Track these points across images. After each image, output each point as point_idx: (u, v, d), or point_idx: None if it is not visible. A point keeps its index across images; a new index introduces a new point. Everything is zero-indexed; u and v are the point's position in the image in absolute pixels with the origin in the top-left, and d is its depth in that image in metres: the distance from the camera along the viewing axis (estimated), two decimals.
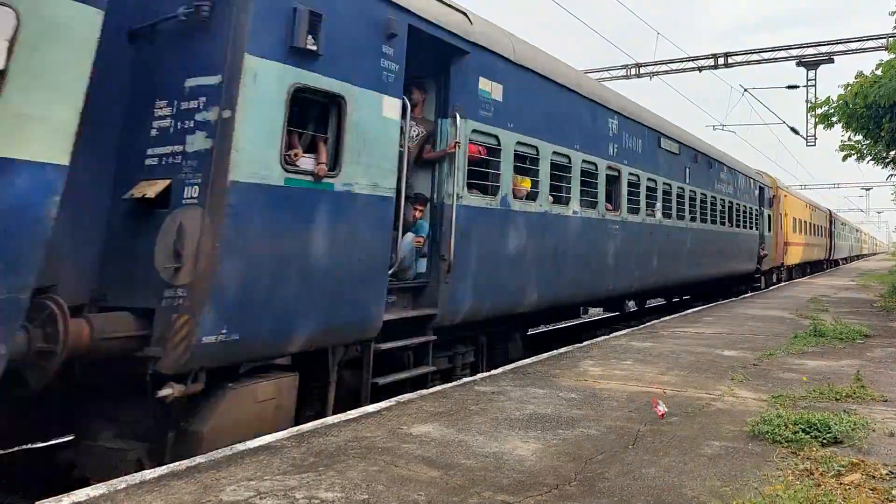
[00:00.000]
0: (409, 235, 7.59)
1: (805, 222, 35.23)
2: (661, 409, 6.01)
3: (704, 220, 17.82)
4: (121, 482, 4.09)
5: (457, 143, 7.92)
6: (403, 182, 7.33)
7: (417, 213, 7.83)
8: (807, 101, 27.18)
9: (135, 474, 4.25)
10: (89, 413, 5.45)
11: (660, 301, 20.53)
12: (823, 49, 26.58)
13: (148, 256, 5.21)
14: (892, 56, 16.25)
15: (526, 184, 9.33)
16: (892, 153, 19.72)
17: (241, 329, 5.31)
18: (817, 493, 4.01)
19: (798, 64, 27.34)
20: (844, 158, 20.18)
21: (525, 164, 9.31)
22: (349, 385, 6.79)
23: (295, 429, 5.36)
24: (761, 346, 10.05)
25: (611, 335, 11.35)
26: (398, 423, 5.58)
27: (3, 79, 3.89)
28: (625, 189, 12.62)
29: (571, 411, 6.10)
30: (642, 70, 28.61)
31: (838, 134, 19.48)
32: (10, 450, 5.79)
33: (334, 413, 6.10)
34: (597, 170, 11.45)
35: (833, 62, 26.70)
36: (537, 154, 9.59)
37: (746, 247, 22.47)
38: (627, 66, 28.79)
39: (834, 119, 17.86)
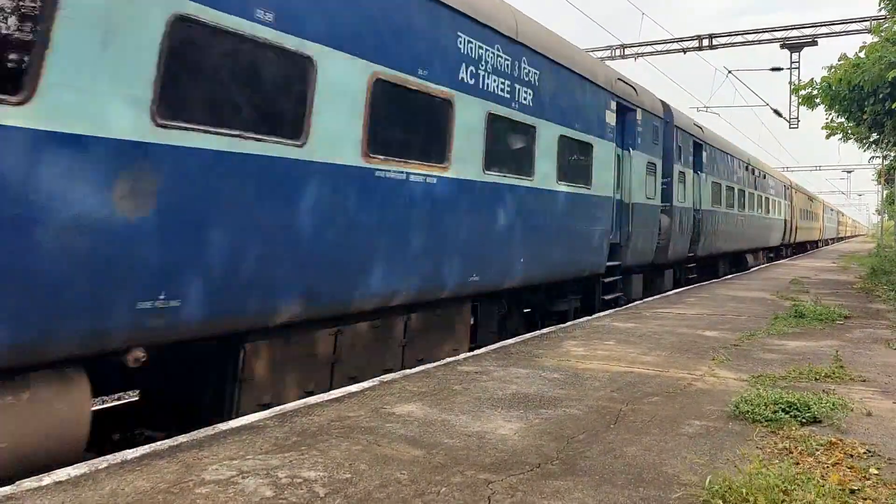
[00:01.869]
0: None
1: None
2: None
3: (760, 210, 27.77)
4: (102, 461, 4.06)
5: None
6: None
7: None
8: (790, 84, 27.29)
9: (116, 454, 4.22)
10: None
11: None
12: (807, 31, 26.64)
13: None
14: (876, 38, 16.31)
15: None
16: (874, 135, 19.85)
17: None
18: (796, 472, 4.06)
19: (782, 46, 27.38)
20: (828, 136, 20.35)
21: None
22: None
23: (278, 408, 5.35)
24: (742, 327, 10.14)
25: (593, 316, 11.39)
26: (381, 402, 5.58)
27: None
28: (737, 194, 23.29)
29: (554, 391, 6.13)
30: (627, 51, 28.58)
31: (821, 116, 19.66)
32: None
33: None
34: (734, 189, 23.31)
35: (817, 44, 26.76)
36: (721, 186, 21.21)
37: (778, 228, 33.25)
38: (612, 46, 28.75)
39: (817, 101, 17.96)
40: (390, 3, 6.84)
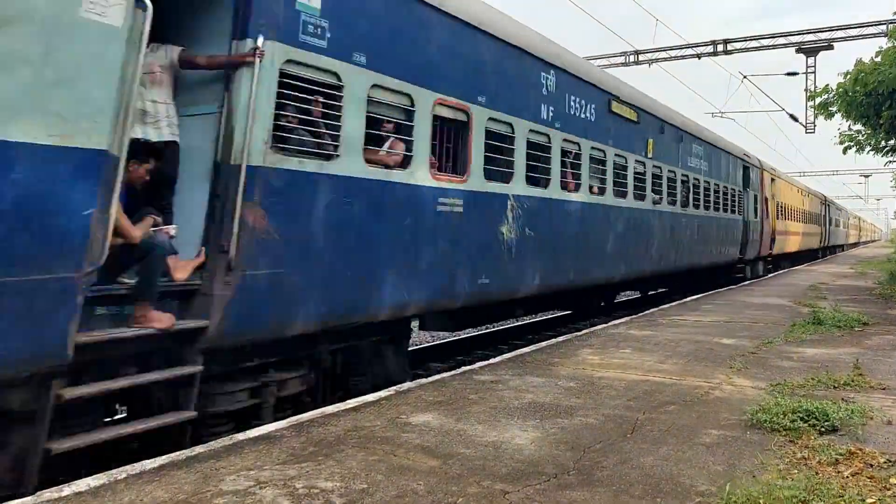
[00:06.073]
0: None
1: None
2: None
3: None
4: (121, 472, 4.09)
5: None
6: None
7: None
8: (806, 89, 27.14)
9: (134, 464, 4.25)
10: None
11: None
12: (823, 35, 26.50)
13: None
14: (892, 42, 16.19)
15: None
16: (892, 141, 19.64)
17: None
18: (815, 482, 4.03)
19: (797, 51, 27.25)
20: (845, 151, 20.08)
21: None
22: None
23: (294, 418, 5.38)
24: (760, 335, 10.07)
25: (609, 323, 11.36)
26: (397, 412, 5.59)
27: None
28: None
29: (570, 400, 6.11)
30: (641, 57, 28.53)
31: (837, 122, 19.40)
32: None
33: None
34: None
35: (833, 49, 26.63)
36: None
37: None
38: (626, 53, 28.71)
39: (833, 109, 17.82)
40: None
